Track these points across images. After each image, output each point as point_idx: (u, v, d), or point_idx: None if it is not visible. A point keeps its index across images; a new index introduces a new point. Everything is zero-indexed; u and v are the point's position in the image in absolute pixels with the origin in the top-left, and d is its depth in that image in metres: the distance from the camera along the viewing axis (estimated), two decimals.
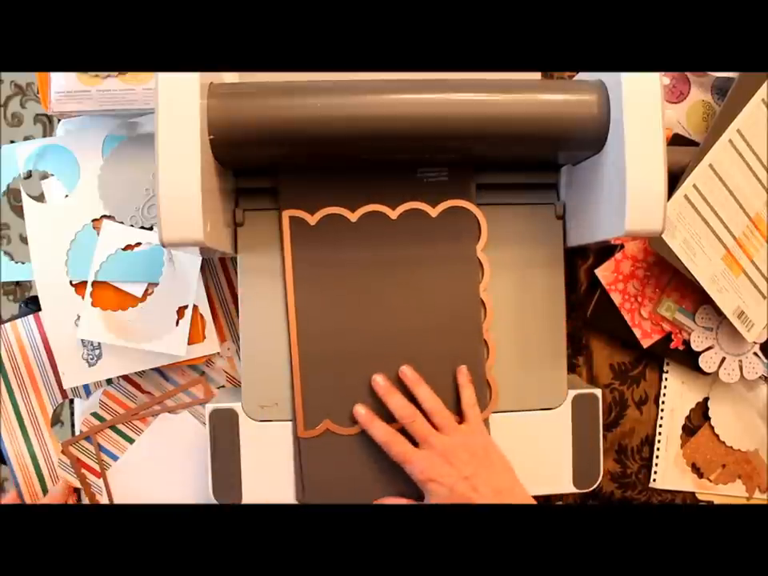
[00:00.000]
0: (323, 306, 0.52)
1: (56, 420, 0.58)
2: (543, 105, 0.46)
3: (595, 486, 0.54)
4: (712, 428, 0.62)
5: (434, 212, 0.52)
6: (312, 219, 0.51)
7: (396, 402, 0.49)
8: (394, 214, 0.52)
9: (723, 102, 0.56)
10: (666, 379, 0.61)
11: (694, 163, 0.55)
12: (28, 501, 0.57)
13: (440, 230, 0.52)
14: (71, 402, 0.58)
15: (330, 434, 0.52)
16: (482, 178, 0.54)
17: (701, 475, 0.62)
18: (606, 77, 0.46)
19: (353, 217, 0.52)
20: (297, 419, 0.51)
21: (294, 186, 0.52)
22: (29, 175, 0.57)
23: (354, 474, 0.51)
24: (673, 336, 0.59)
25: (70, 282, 0.56)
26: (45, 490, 0.57)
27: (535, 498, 0.53)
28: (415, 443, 0.48)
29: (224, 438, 0.51)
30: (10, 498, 0.57)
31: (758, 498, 0.63)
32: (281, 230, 0.52)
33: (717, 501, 0.62)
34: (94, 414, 0.57)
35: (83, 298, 0.55)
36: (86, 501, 0.58)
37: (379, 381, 0.50)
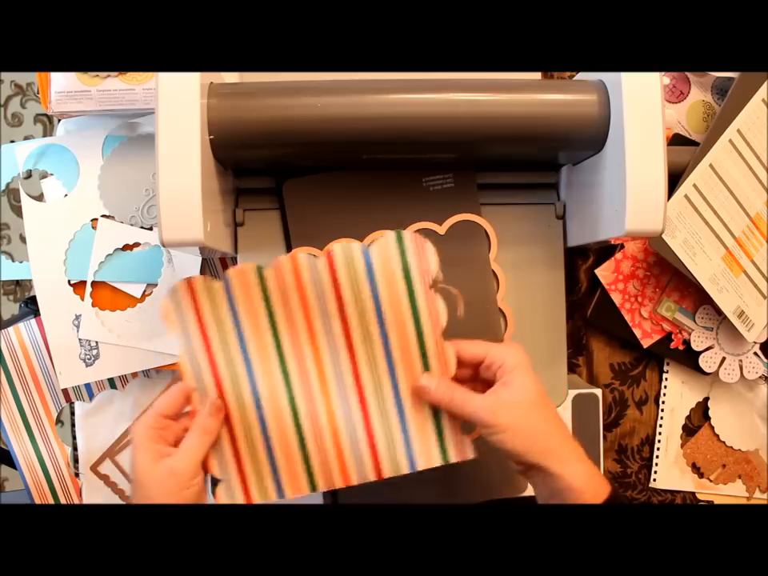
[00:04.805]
0: None
1: (56, 420, 0.58)
2: (543, 105, 0.45)
3: None
4: (712, 428, 0.62)
5: (441, 229, 0.52)
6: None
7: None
8: None
9: (723, 102, 0.56)
10: (666, 379, 0.61)
11: (694, 163, 0.55)
12: (37, 501, 0.57)
13: (450, 247, 0.52)
14: (72, 403, 0.58)
15: None
16: (482, 177, 0.54)
17: (701, 475, 0.62)
18: (606, 77, 0.46)
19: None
20: None
21: (302, 222, 0.52)
22: (28, 175, 0.57)
23: (390, 497, 0.50)
24: (673, 336, 0.59)
25: (69, 281, 0.56)
26: (53, 491, 0.58)
27: (536, 497, 0.53)
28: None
29: None
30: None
31: (758, 497, 0.63)
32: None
33: (717, 501, 0.62)
34: None
35: (81, 297, 0.55)
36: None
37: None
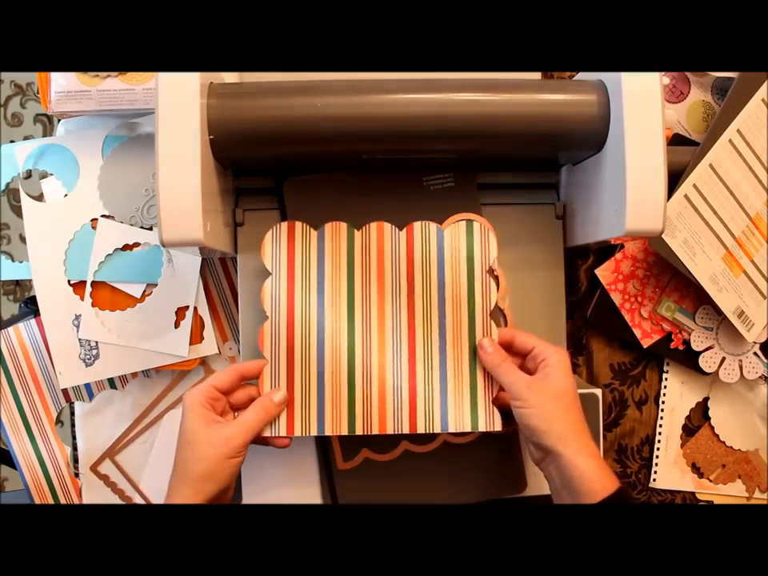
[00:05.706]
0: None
1: (56, 420, 0.58)
2: (543, 105, 0.46)
3: None
4: (712, 428, 0.62)
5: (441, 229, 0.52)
6: None
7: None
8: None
9: (723, 102, 0.56)
10: (666, 379, 0.61)
11: (694, 163, 0.55)
12: (37, 501, 0.57)
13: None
14: (72, 403, 0.58)
15: (367, 461, 0.52)
16: (482, 178, 0.54)
17: (701, 475, 0.62)
18: (606, 77, 0.46)
19: None
20: (334, 452, 0.52)
21: (302, 221, 0.51)
22: (28, 175, 0.57)
23: (389, 497, 0.52)
24: (673, 336, 0.59)
25: (68, 281, 0.56)
26: (53, 491, 0.58)
27: (536, 498, 0.53)
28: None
29: None
30: None
31: (758, 497, 0.63)
32: None
33: (717, 501, 0.62)
34: None
35: (81, 297, 0.55)
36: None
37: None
